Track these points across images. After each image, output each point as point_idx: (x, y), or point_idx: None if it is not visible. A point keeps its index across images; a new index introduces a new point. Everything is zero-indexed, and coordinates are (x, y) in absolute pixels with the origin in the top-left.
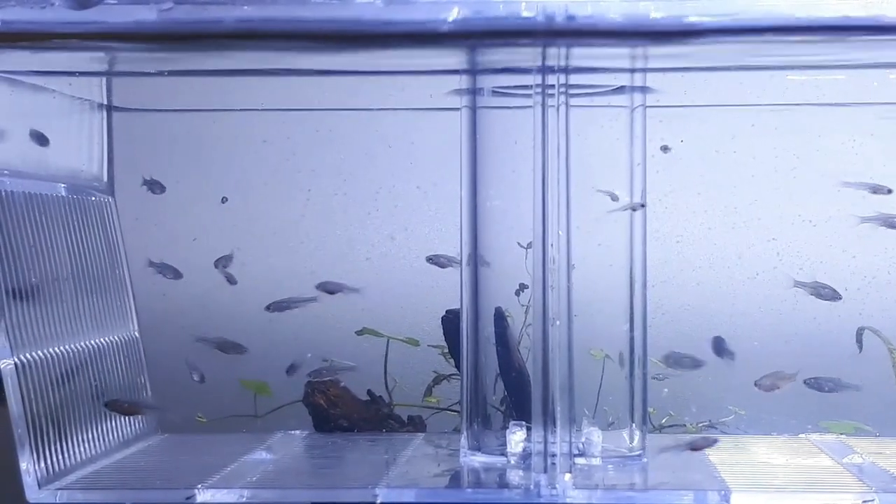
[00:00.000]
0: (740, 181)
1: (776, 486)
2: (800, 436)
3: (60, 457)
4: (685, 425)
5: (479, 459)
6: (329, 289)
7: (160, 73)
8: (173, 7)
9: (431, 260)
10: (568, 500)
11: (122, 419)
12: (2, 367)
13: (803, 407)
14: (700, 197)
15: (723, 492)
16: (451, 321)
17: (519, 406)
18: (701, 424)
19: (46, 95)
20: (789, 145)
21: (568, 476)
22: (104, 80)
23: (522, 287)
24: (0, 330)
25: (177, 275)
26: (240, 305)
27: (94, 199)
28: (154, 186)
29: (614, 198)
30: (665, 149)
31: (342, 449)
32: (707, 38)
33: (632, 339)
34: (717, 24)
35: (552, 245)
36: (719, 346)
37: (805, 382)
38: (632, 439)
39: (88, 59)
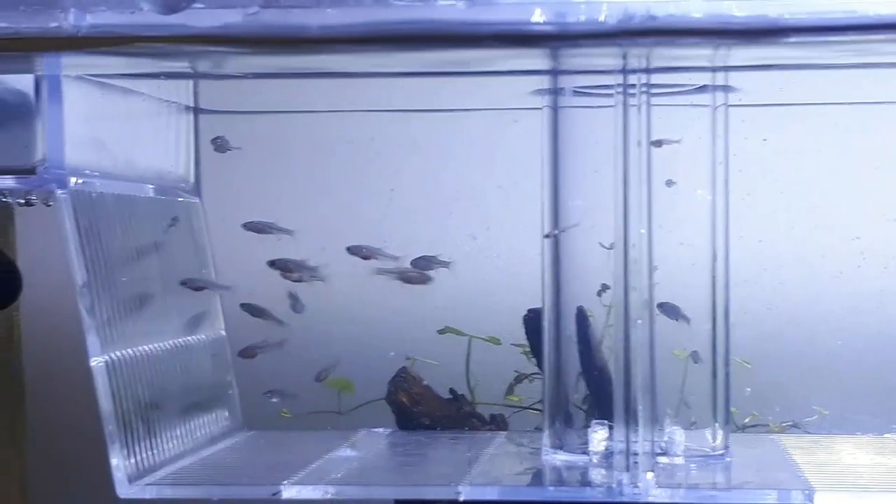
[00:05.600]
0: (823, 180)
1: (861, 486)
2: (885, 435)
3: (149, 453)
4: (768, 425)
5: (560, 458)
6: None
7: (244, 76)
8: (259, 11)
9: (351, 250)
10: (650, 499)
11: (209, 416)
12: (93, 364)
13: (889, 406)
14: (782, 196)
15: (806, 491)
16: (532, 320)
17: (601, 405)
18: (785, 424)
19: (136, 98)
20: (872, 144)
21: (650, 475)
22: (191, 82)
23: (605, 287)
24: (90, 328)
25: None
26: (326, 304)
27: (181, 199)
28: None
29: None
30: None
31: (425, 446)
32: (790, 36)
33: (714, 338)
34: (801, 23)
35: (634, 245)
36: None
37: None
38: (714, 438)
39: (175, 62)
